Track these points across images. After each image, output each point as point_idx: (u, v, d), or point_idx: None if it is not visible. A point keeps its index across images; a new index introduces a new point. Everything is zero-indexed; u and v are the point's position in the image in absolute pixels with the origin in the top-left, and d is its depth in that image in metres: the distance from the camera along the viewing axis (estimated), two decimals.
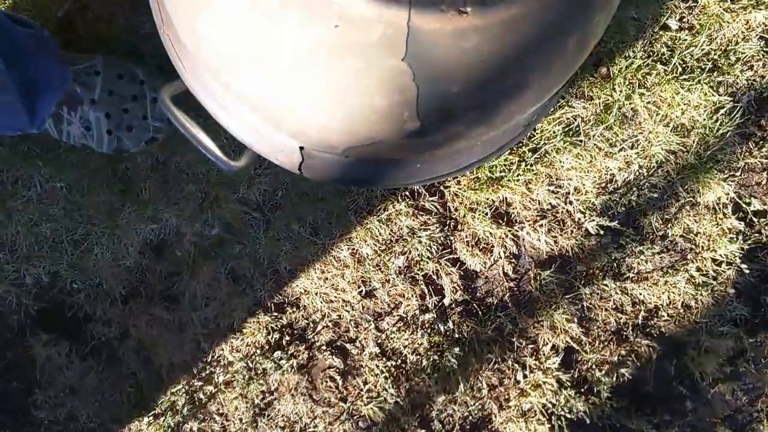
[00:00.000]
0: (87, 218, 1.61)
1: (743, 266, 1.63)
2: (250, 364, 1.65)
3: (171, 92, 1.19)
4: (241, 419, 1.67)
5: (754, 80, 1.61)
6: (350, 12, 0.71)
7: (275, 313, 1.65)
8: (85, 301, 1.64)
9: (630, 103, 1.59)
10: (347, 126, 0.86)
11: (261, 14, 0.76)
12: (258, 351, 1.65)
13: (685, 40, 1.62)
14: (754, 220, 1.63)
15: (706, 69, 1.61)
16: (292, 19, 0.74)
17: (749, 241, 1.63)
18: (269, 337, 1.65)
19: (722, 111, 1.60)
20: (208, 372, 1.66)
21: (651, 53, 1.62)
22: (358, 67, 0.77)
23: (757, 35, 1.62)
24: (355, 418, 1.66)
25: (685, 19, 1.63)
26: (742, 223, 1.63)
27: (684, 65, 1.62)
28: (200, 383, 1.67)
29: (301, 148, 1.04)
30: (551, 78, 0.88)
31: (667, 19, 1.63)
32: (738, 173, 1.63)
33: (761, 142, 1.62)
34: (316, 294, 1.64)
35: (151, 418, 1.66)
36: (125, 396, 1.67)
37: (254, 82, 0.87)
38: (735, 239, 1.63)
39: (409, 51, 0.73)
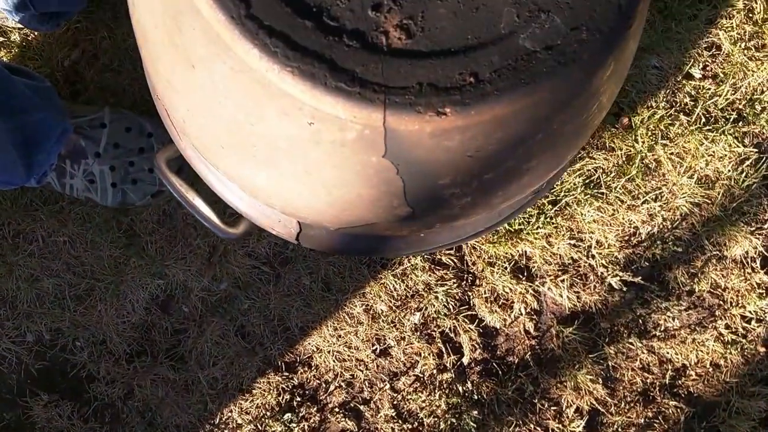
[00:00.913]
0: (90, 273, 1.56)
1: None
2: (260, 427, 1.58)
3: (167, 157, 1.16)
4: None
5: None
6: (322, 112, 0.67)
7: (286, 373, 1.59)
8: (88, 360, 1.58)
9: (653, 155, 1.55)
10: (335, 211, 0.82)
11: (235, 106, 0.73)
12: (268, 413, 1.58)
13: (709, 89, 1.58)
14: None
15: (731, 119, 1.56)
16: (265, 115, 0.71)
17: None
18: (279, 398, 1.58)
19: (748, 162, 1.56)
20: None
21: (674, 103, 1.58)
22: (337, 163, 0.73)
23: None
24: None
25: (708, 68, 1.60)
26: None
27: (708, 115, 1.57)
28: None
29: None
30: (551, 162, 0.83)
31: (690, 67, 1.59)
32: (766, 226, 1.57)
33: None
34: (329, 352, 1.58)
35: None
36: None
37: (236, 167, 0.84)
38: (764, 295, 1.57)
39: (388, 149, 0.69)
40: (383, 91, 0.65)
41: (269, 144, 0.74)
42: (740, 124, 1.56)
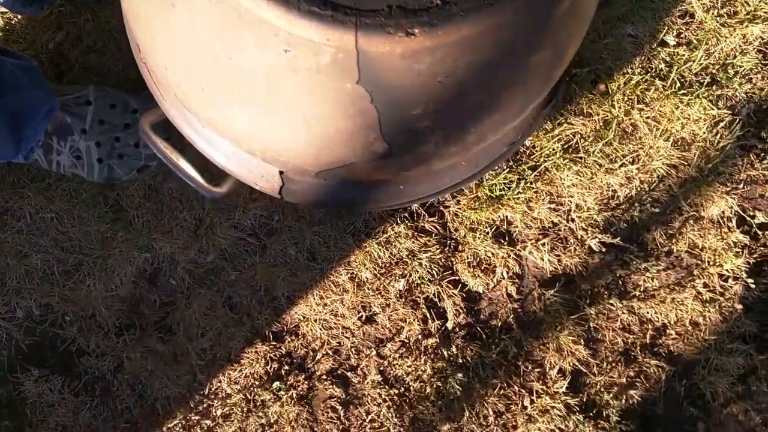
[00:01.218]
0: (78, 248, 1.58)
1: (749, 281, 1.60)
2: (249, 396, 1.61)
3: (151, 120, 1.19)
4: None
5: (753, 93, 1.60)
6: (297, 37, 0.70)
7: (273, 342, 1.61)
8: (78, 334, 1.60)
9: (629, 119, 1.58)
10: (315, 150, 0.85)
11: (214, 41, 0.76)
12: (256, 382, 1.61)
13: (683, 55, 1.61)
14: (759, 233, 1.61)
15: (705, 83, 1.60)
16: (243, 45, 0.74)
17: (755, 255, 1.61)
18: (268, 368, 1.61)
19: (722, 124, 1.59)
20: (205, 405, 1.62)
21: (649, 69, 1.61)
22: (314, 92, 0.76)
23: (754, 49, 1.61)
24: None
25: (682, 35, 1.63)
26: (747, 236, 1.60)
27: (682, 80, 1.61)
28: (197, 417, 1.62)
29: (281, 173, 1.03)
30: (520, 97, 0.86)
31: (664, 35, 1.62)
32: (741, 186, 1.61)
33: (762, 154, 1.61)
34: (315, 321, 1.61)
35: None
36: None
37: (217, 109, 0.86)
38: (740, 253, 1.60)
39: (362, 74, 0.72)
40: (354, 13, 0.68)
41: (248, 77, 0.77)
42: (714, 87, 1.60)
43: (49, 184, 1.56)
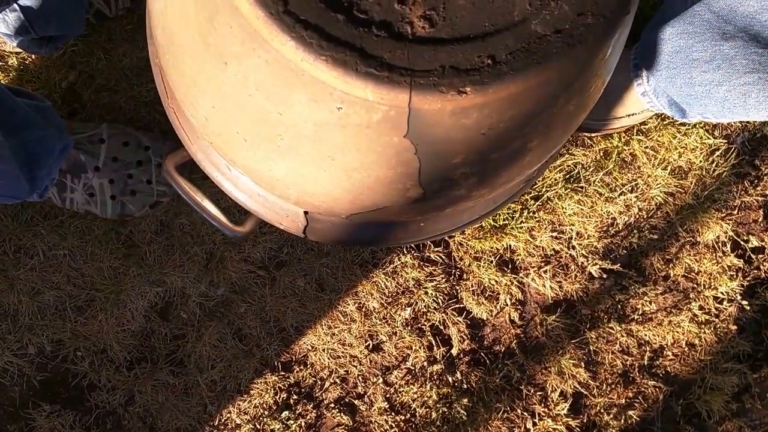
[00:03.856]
0: (90, 284, 1.60)
1: (744, 302, 1.66)
2: (258, 426, 1.63)
3: (176, 162, 1.20)
4: None
5: (748, 122, 1.66)
6: (352, 96, 0.72)
7: (282, 372, 1.64)
8: (90, 369, 1.62)
9: (629, 149, 1.63)
10: (351, 197, 0.87)
11: (265, 97, 0.78)
12: (266, 412, 1.63)
13: None
14: (753, 256, 1.67)
15: None
16: (295, 102, 0.76)
17: (749, 278, 1.67)
18: (276, 397, 1.63)
19: (718, 152, 1.65)
20: None
21: None
22: (361, 145, 0.78)
23: None
24: None
25: None
26: (741, 260, 1.66)
27: None
28: None
29: (306, 213, 1.06)
30: (550, 142, 0.90)
31: None
32: (735, 212, 1.67)
33: (756, 180, 1.67)
34: (324, 350, 1.64)
35: None
36: None
37: (257, 160, 0.88)
38: (735, 276, 1.66)
39: (410, 129, 0.74)
40: (409, 74, 0.71)
41: (295, 132, 0.80)
42: None
43: (62, 222, 1.58)
